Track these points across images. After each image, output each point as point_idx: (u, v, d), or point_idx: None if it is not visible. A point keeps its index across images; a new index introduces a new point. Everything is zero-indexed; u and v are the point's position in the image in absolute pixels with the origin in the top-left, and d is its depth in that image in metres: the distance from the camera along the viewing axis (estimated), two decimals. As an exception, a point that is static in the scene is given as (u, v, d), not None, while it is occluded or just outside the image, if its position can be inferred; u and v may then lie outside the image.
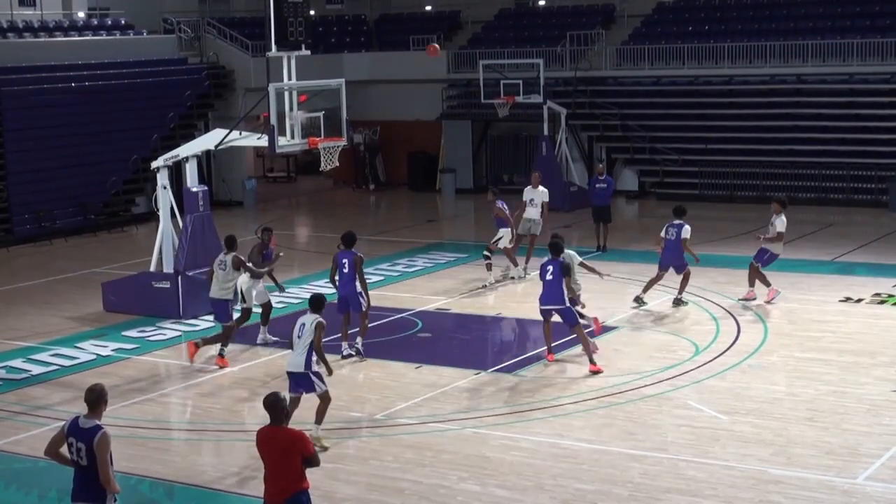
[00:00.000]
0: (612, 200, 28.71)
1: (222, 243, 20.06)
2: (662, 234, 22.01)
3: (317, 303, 15.08)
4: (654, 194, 36.66)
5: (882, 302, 21.70)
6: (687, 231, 21.70)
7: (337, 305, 18.78)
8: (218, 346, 18.90)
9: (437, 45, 20.76)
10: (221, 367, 18.59)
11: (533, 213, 25.05)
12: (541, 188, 25.20)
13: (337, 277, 18.89)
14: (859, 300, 21.92)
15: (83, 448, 10.11)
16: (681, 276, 21.83)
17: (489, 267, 24.06)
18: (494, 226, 24.54)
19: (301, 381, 14.80)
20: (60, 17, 38.06)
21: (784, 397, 16.33)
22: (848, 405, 15.91)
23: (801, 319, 20.58)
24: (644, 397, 16.46)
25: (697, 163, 36.12)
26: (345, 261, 18.65)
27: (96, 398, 10.30)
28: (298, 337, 14.75)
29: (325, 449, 14.33)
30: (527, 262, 24.56)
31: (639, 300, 21.90)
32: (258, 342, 19.97)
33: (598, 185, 27.65)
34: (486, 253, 24.19)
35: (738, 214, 32.73)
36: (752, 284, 22.05)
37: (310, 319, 14.79)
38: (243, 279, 19.63)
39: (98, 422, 10.23)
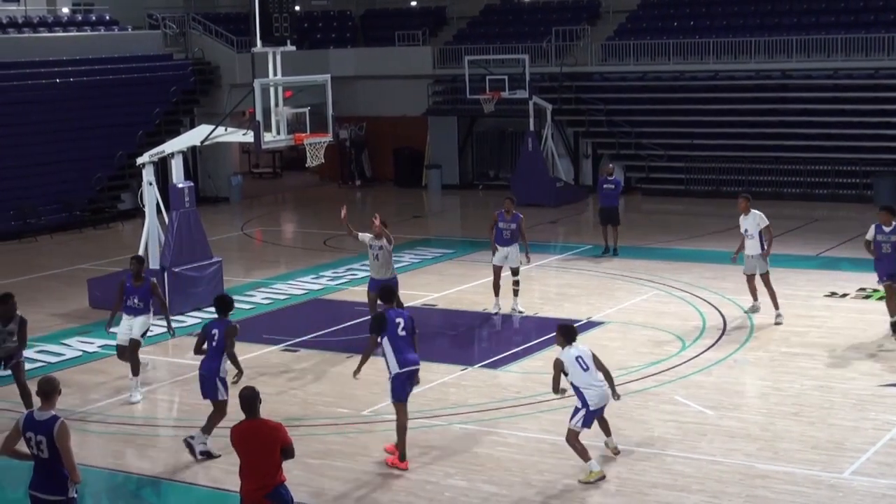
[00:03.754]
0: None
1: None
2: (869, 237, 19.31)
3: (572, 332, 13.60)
4: (639, 189, 36.70)
5: (867, 297, 21.76)
6: None
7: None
8: None
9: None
10: None
11: (751, 246, 20.31)
12: (753, 212, 20.30)
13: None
14: (844, 295, 21.99)
15: (43, 440, 10.10)
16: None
17: None
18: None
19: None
20: (45, 13, 37.96)
21: (770, 392, 16.37)
22: (834, 400, 15.96)
23: (787, 314, 20.57)
24: (630, 392, 16.46)
25: (683, 158, 36.18)
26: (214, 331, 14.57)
27: (50, 389, 10.30)
28: (585, 370, 13.35)
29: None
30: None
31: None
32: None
33: (605, 186, 26.82)
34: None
35: (724, 210, 32.71)
36: None
37: (587, 350, 13.56)
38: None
39: (54, 412, 10.21)
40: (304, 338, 19.81)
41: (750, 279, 20.43)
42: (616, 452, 13.97)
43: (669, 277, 23.74)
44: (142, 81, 36.04)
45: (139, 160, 22.83)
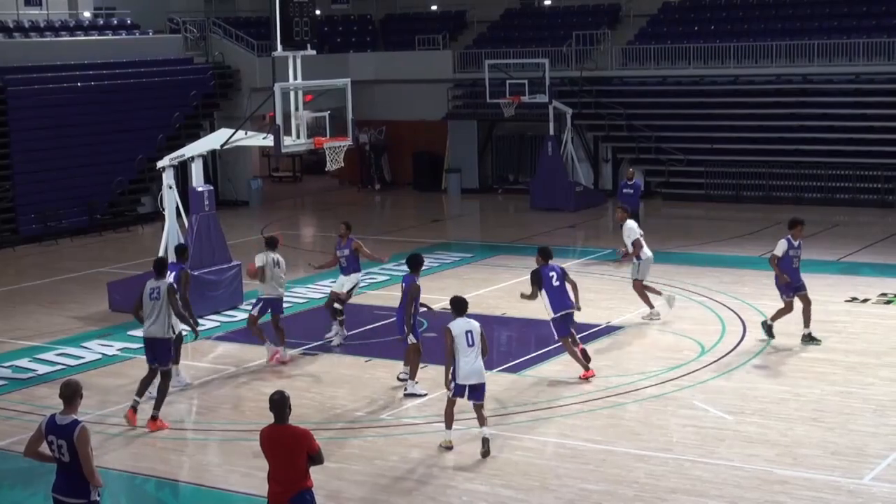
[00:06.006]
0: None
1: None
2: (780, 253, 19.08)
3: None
4: (659, 194, 36.63)
5: (888, 302, 21.67)
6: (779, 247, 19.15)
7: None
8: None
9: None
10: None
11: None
12: (627, 223, 21.08)
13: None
14: (865, 300, 21.90)
15: (64, 444, 10.14)
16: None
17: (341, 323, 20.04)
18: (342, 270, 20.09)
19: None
20: (66, 17, 38.11)
21: (790, 398, 16.31)
22: (854, 405, 15.90)
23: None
24: (649, 397, 16.46)
25: (703, 163, 36.10)
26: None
27: (72, 393, 10.32)
28: (469, 345, 14.25)
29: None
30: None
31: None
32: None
33: (625, 190, 26.78)
34: (337, 306, 19.90)
35: (745, 214, 32.74)
36: None
37: (477, 327, 14.43)
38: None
39: (75, 416, 10.25)
40: (322, 341, 19.83)
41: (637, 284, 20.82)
42: (447, 446, 14.56)
43: (689, 282, 23.68)
44: (162, 85, 36.15)
45: (159, 164, 22.91)
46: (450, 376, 14.34)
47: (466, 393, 14.30)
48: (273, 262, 18.88)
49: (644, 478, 13.52)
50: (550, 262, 17.49)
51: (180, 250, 18.55)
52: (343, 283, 19.84)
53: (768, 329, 19.28)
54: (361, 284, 24.35)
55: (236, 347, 20.06)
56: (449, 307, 14.69)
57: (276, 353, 18.89)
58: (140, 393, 15.99)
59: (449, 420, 14.54)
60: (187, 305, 16.62)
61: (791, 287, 18.99)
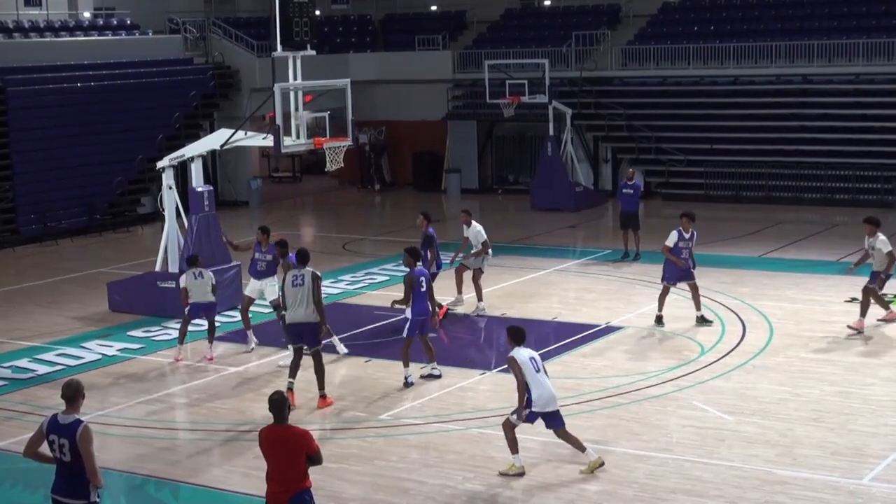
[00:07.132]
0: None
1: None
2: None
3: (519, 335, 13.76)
4: (659, 194, 36.61)
5: (888, 302, 21.63)
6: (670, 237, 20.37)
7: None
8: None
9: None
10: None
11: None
12: (474, 224, 22.13)
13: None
14: (865, 300, 21.87)
15: (66, 444, 10.12)
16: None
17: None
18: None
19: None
20: (66, 17, 38.11)
21: (789, 398, 16.31)
22: (854, 406, 15.89)
23: (807, 320, 20.55)
24: (649, 398, 16.45)
25: (703, 163, 36.09)
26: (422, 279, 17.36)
27: (74, 393, 10.30)
28: (537, 371, 13.51)
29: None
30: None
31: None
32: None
33: (624, 191, 26.73)
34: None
35: (744, 215, 32.73)
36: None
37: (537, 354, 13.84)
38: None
39: (77, 416, 10.24)
40: (323, 342, 19.79)
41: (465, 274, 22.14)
42: (600, 464, 13.71)
43: (689, 282, 23.64)
44: (162, 85, 36.15)
45: (159, 164, 22.91)
46: (524, 405, 13.55)
47: (540, 421, 13.67)
48: (194, 276, 19.18)
49: (644, 478, 13.52)
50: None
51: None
52: (262, 290, 19.66)
53: (658, 319, 20.41)
54: (361, 285, 24.50)
55: (236, 347, 20.04)
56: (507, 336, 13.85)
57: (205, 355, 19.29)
58: (293, 374, 16.63)
59: (514, 444, 13.68)
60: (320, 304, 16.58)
61: (676, 275, 20.36)
